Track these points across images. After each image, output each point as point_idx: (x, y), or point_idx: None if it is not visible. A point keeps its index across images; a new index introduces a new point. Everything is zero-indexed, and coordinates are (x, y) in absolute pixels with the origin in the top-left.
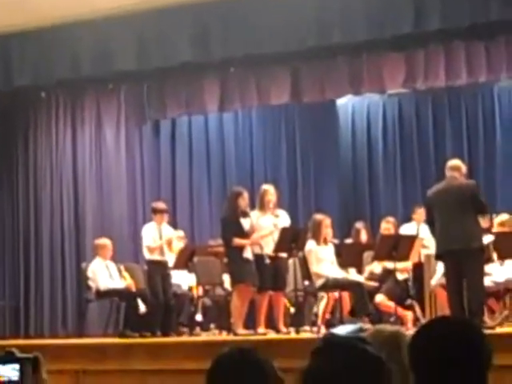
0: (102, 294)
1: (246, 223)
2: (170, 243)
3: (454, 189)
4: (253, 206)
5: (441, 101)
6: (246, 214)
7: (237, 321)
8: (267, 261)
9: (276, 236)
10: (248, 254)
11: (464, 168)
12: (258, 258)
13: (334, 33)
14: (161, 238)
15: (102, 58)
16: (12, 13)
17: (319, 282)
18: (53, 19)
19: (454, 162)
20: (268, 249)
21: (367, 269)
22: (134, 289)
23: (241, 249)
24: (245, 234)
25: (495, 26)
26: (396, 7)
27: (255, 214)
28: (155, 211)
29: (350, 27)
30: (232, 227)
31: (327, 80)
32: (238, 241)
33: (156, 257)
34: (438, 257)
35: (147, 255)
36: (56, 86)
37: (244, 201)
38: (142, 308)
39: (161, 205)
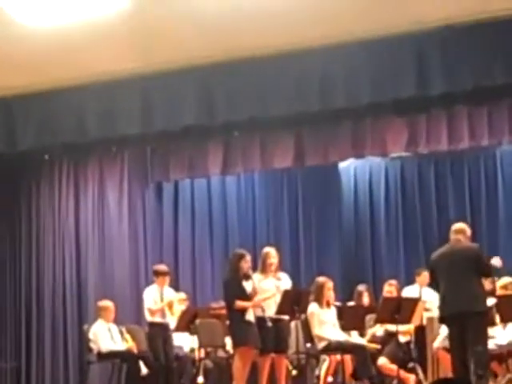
0: (103, 356)
1: (248, 286)
2: (171, 306)
3: (459, 252)
4: (255, 269)
5: (443, 164)
6: (248, 277)
7: (238, 381)
8: (269, 324)
9: (278, 299)
10: (250, 316)
11: (468, 231)
12: (260, 320)
13: (338, 97)
14: (162, 301)
15: (106, 121)
16: (16, 74)
17: (321, 345)
18: (57, 82)
19: (459, 225)
20: (270, 311)
21: (369, 332)
22: (135, 351)
23: (243, 311)
24: (247, 297)
25: (498, 90)
26: (399, 71)
27: (257, 277)
28: (157, 274)
29: (353, 91)
30: (234, 290)
31: (330, 144)
32: (240, 303)
33: (157, 319)
34: (442, 320)
35: (149, 317)
36: (60, 149)
37: (246, 263)
38: (144, 370)
39: (162, 267)
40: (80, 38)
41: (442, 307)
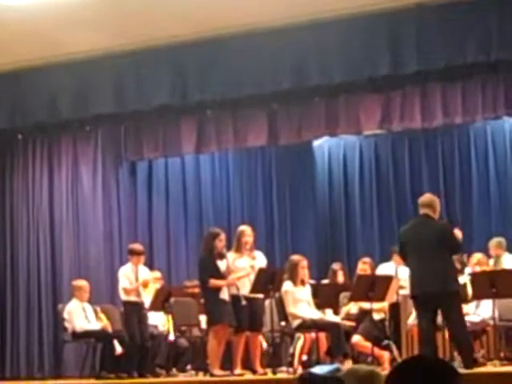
0: (78, 336)
1: (222, 264)
2: (145, 285)
3: (429, 229)
4: (229, 247)
5: (417, 141)
6: (222, 256)
7: (213, 362)
8: (243, 302)
9: (252, 277)
10: (224, 295)
11: (437, 203)
12: (235, 298)
13: (311, 74)
14: (137, 280)
15: (80, 100)
16: None
17: (296, 323)
18: (30, 61)
19: (427, 197)
20: (244, 290)
21: (344, 309)
22: (110, 330)
23: (217, 290)
24: (221, 275)
25: (470, 68)
26: (373, 49)
27: (232, 256)
28: (132, 253)
29: (326, 69)
30: (208, 268)
31: (304, 122)
32: (214, 282)
33: (132, 298)
34: (413, 298)
35: (123, 297)
36: (33, 129)
37: (221, 242)
38: (119, 349)
39: (137, 246)
40: (53, 17)
41: (413, 285)
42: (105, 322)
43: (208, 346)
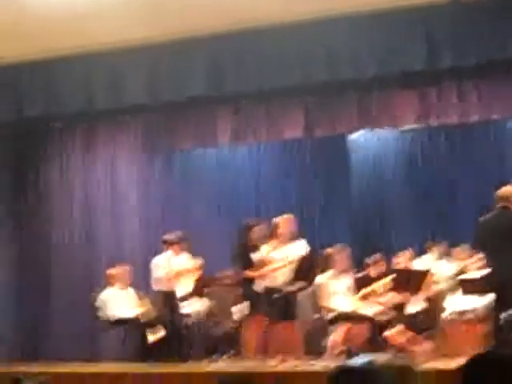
0: (113, 323)
1: (256, 256)
2: (179, 276)
3: (507, 220)
4: (265, 238)
5: (453, 136)
6: (256, 247)
7: (248, 352)
8: (277, 294)
9: (288, 269)
10: (258, 286)
11: None
12: (268, 290)
13: (346, 67)
14: (170, 271)
15: (114, 90)
16: (25, 42)
17: (330, 315)
18: (65, 50)
19: (505, 190)
20: (279, 282)
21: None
22: (150, 315)
23: (251, 281)
24: (255, 267)
25: (508, 63)
26: (408, 44)
27: (267, 247)
28: (166, 243)
29: (361, 63)
30: (242, 260)
31: (338, 115)
32: (248, 273)
33: (164, 288)
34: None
35: (155, 286)
36: (69, 118)
37: (255, 233)
38: (151, 338)
39: (172, 236)
40: (89, 7)
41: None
42: (148, 306)
43: (243, 336)
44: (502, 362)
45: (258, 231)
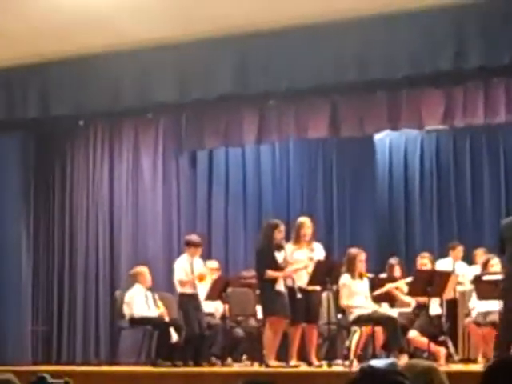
0: (135, 322)
1: (280, 256)
2: (202, 278)
3: None
4: (288, 238)
5: (479, 138)
6: (280, 247)
7: (269, 352)
8: (299, 295)
9: (310, 269)
10: (281, 286)
11: None
12: (291, 290)
13: (374, 68)
14: (193, 272)
15: (142, 88)
16: (53, 41)
17: (352, 316)
18: (93, 48)
19: None
20: (301, 282)
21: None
22: (167, 318)
23: (273, 281)
24: (278, 267)
25: None
26: (436, 44)
27: (290, 247)
28: (189, 244)
29: (389, 63)
30: (266, 259)
31: (366, 115)
32: (271, 273)
33: (188, 290)
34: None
35: (179, 288)
36: (95, 115)
37: (280, 233)
38: (174, 337)
39: (195, 238)
40: (117, 5)
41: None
42: (162, 309)
43: (264, 336)
44: None
45: (282, 231)
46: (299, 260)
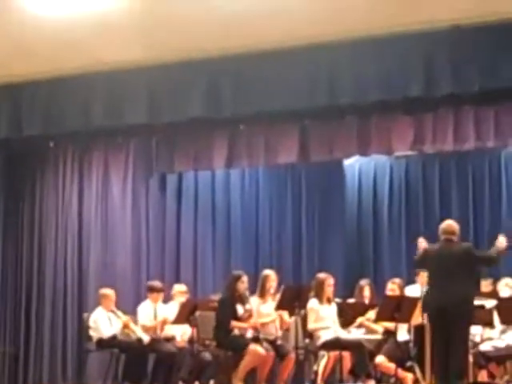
0: (103, 344)
1: (240, 309)
2: (164, 323)
3: (453, 252)
4: (257, 259)
5: (448, 164)
6: (243, 299)
7: (240, 375)
8: (265, 344)
9: (278, 323)
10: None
11: (457, 228)
12: (256, 339)
13: (344, 93)
14: (156, 318)
15: (112, 110)
16: (24, 61)
17: (320, 341)
18: (64, 70)
19: (448, 223)
20: (269, 335)
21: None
22: (132, 324)
23: (231, 332)
24: (238, 319)
25: (505, 92)
26: (407, 71)
27: (256, 300)
28: (151, 290)
29: (360, 88)
30: (227, 310)
31: (335, 140)
32: (236, 324)
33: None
34: (428, 316)
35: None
36: (65, 137)
37: (242, 284)
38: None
39: (157, 284)
40: (88, 28)
41: (428, 303)
42: (124, 318)
43: (243, 360)
44: None
45: (245, 281)
46: (265, 314)
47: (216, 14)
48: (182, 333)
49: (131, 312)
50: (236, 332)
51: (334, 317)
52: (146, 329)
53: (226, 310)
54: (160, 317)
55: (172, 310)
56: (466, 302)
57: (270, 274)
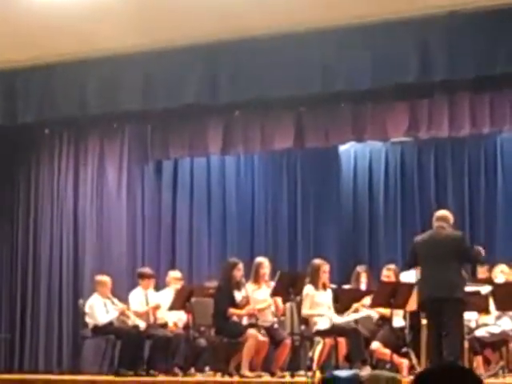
0: (99, 331)
1: (238, 295)
2: (156, 309)
3: (442, 239)
4: (252, 247)
5: (443, 150)
6: (240, 286)
7: (245, 362)
8: (262, 331)
9: (273, 308)
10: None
11: (451, 218)
12: (253, 326)
13: (339, 80)
14: (147, 304)
15: (108, 96)
16: (18, 48)
17: (316, 328)
18: (59, 56)
19: (442, 212)
20: (265, 321)
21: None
22: (128, 311)
23: (229, 319)
24: (236, 306)
25: (500, 78)
26: (402, 57)
27: (250, 287)
28: (142, 276)
29: (355, 75)
30: (225, 297)
31: (331, 127)
32: (233, 311)
33: (141, 322)
34: (421, 305)
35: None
36: (60, 124)
37: (238, 271)
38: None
39: (148, 270)
40: (83, 13)
41: (421, 292)
42: (121, 305)
43: (245, 346)
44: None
45: (241, 269)
46: (260, 300)
47: (211, 1)
48: (177, 319)
49: (126, 299)
50: (234, 319)
51: (329, 303)
52: (137, 315)
53: (224, 298)
54: (152, 303)
55: (167, 296)
56: (455, 290)
57: (264, 261)
